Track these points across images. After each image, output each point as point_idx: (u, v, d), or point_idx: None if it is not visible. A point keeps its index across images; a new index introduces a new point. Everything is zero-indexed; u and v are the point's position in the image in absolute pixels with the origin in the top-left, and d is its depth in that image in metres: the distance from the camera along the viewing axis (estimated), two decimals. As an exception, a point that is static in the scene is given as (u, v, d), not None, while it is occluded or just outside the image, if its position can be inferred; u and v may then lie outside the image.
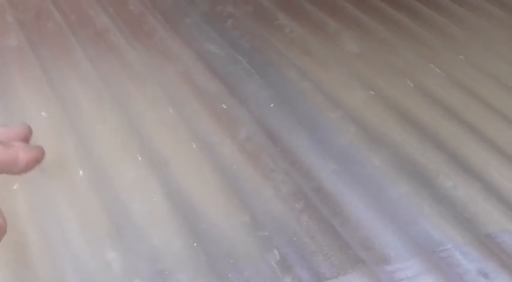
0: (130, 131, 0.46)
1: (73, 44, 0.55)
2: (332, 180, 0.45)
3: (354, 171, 0.46)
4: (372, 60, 0.59)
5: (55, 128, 0.45)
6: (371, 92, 0.54)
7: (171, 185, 0.41)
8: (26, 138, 0.34)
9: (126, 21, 0.61)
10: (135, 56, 0.55)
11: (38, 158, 0.32)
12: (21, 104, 0.48)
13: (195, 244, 0.37)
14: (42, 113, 0.46)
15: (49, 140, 0.44)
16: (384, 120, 0.51)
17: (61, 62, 0.53)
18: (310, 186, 0.44)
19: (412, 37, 0.64)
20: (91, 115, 0.47)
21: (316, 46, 0.60)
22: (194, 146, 0.45)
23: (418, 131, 0.51)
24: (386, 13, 0.69)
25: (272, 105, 0.51)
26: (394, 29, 0.66)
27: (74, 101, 0.48)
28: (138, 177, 0.42)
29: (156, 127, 0.47)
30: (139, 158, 0.43)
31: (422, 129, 0.51)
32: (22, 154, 0.31)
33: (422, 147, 0.49)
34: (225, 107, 0.49)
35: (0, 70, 0.51)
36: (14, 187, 0.39)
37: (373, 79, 0.56)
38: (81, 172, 0.41)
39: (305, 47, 0.60)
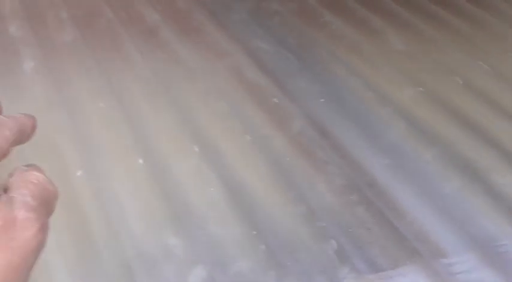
0: (185, 123, 0.47)
1: (125, 40, 0.57)
2: (385, 174, 0.45)
3: (407, 166, 0.46)
4: (419, 58, 0.59)
5: (113, 118, 0.46)
6: (420, 88, 0.54)
7: (227, 176, 0.42)
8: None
9: (175, 17, 0.62)
10: (186, 51, 0.56)
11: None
12: (78, 96, 0.49)
13: (254, 232, 0.38)
14: (100, 104, 0.47)
15: (108, 129, 0.45)
16: (434, 116, 0.51)
17: (115, 57, 0.55)
18: (363, 180, 0.44)
19: (458, 35, 0.65)
20: (146, 108, 0.48)
21: (362, 43, 0.61)
22: (248, 138, 0.46)
23: (468, 127, 0.51)
24: (431, 10, 0.69)
25: (322, 100, 0.51)
26: (440, 27, 0.66)
27: (129, 94, 0.49)
28: (196, 168, 0.42)
29: (210, 120, 0.48)
30: (196, 149, 0.44)
31: (473, 125, 0.51)
32: (27, 121, 0.35)
33: (473, 144, 0.49)
34: (276, 101, 0.50)
35: (57, 64, 0.52)
36: (78, 174, 0.40)
37: (421, 76, 0.56)
38: (140, 160, 0.42)
39: (352, 44, 0.60)
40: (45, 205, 0.29)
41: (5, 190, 0.29)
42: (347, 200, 0.42)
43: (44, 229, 0.27)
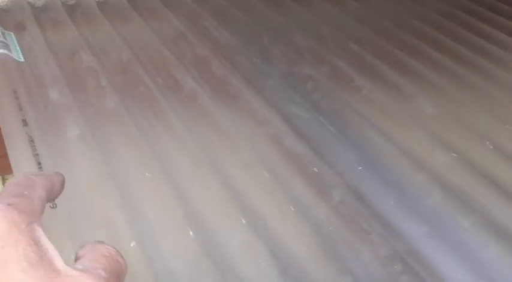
0: (231, 193, 0.48)
1: (165, 107, 0.58)
2: (425, 243, 0.47)
3: (445, 234, 0.48)
4: (449, 122, 0.61)
5: (160, 189, 0.48)
6: (453, 154, 0.56)
7: (275, 249, 0.43)
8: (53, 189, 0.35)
9: (211, 84, 0.64)
10: (225, 119, 0.58)
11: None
12: (124, 166, 0.50)
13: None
14: (147, 174, 0.49)
15: (156, 200, 0.47)
16: (468, 182, 0.53)
17: (156, 124, 0.56)
18: (405, 249, 0.46)
19: (487, 98, 0.66)
20: (191, 178, 0.50)
21: (394, 107, 0.62)
22: (292, 209, 0.47)
23: (503, 194, 0.52)
24: (458, 74, 0.71)
25: (361, 168, 0.53)
26: (468, 90, 0.68)
27: (173, 164, 0.51)
28: (244, 241, 0.44)
29: (254, 190, 0.49)
30: (244, 221, 0.45)
31: (507, 192, 0.52)
32: (56, 178, 0.35)
33: (509, 210, 0.50)
34: (316, 170, 0.52)
35: (100, 132, 0.54)
36: (131, 245, 0.42)
37: (453, 141, 0.58)
38: (191, 233, 0.43)
39: (383, 109, 0.62)
40: (116, 278, 0.30)
41: (75, 259, 0.30)
42: (391, 270, 0.43)
43: None
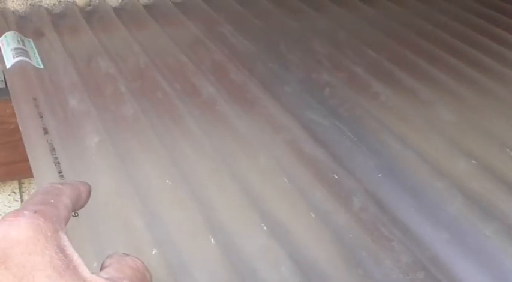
0: (250, 200, 0.48)
1: (183, 113, 0.59)
2: (446, 250, 0.46)
3: (466, 241, 0.47)
4: (468, 129, 0.61)
5: (180, 196, 0.48)
6: (473, 161, 0.55)
7: (296, 254, 0.43)
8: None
9: (229, 89, 0.64)
10: (243, 124, 0.58)
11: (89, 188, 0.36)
12: (144, 172, 0.51)
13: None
14: (167, 181, 0.49)
15: (177, 207, 0.47)
16: (489, 189, 0.52)
17: (174, 130, 0.56)
18: (426, 256, 0.45)
19: (505, 104, 0.66)
20: (210, 184, 0.50)
21: (412, 114, 0.62)
22: (313, 215, 0.47)
23: (523, 200, 0.52)
24: (476, 80, 0.71)
25: (380, 175, 0.53)
26: (486, 97, 0.67)
27: (193, 170, 0.51)
28: (265, 246, 0.44)
29: (274, 196, 0.49)
30: (264, 228, 0.45)
31: (528, 198, 0.52)
32: (82, 187, 0.35)
33: (530, 218, 0.50)
34: (336, 176, 0.52)
35: (120, 139, 0.54)
36: (153, 252, 0.42)
37: (473, 148, 0.58)
38: (212, 240, 0.43)
39: (402, 115, 0.62)
40: None
41: (101, 269, 0.30)
42: (414, 278, 0.43)
43: None
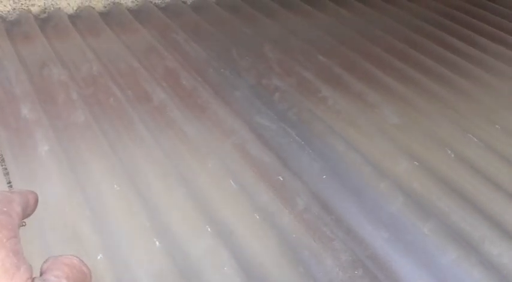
0: (197, 203, 0.49)
1: (134, 119, 0.59)
2: (386, 248, 0.48)
3: (405, 239, 0.49)
4: (412, 131, 0.63)
5: (128, 201, 0.49)
6: (415, 162, 0.57)
7: (239, 255, 0.45)
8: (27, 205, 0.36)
9: (180, 95, 0.65)
10: (192, 129, 0.59)
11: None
12: (94, 179, 0.51)
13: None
14: (115, 186, 0.50)
15: (124, 212, 0.48)
16: (429, 189, 0.55)
17: (125, 136, 0.57)
18: (366, 254, 0.47)
19: (449, 107, 0.68)
20: (159, 189, 0.51)
21: (359, 117, 0.64)
22: (257, 217, 0.49)
23: (461, 199, 0.54)
24: (422, 84, 0.73)
25: (324, 176, 0.54)
26: (431, 100, 0.69)
27: (142, 175, 0.52)
28: (209, 248, 0.45)
29: (220, 198, 0.50)
30: (209, 229, 0.46)
31: (466, 198, 0.54)
32: (29, 195, 0.36)
33: (467, 215, 0.52)
34: (281, 179, 0.53)
35: (71, 146, 0.55)
36: (98, 257, 0.43)
37: (416, 150, 0.60)
38: (157, 243, 0.44)
39: (349, 119, 0.64)
40: None
41: (40, 274, 0.31)
42: (352, 275, 0.45)
43: None
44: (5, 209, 0.32)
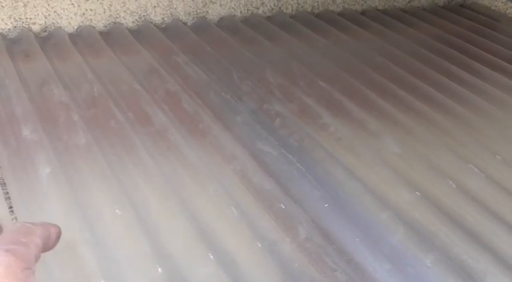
0: (199, 229, 0.49)
1: (135, 143, 0.59)
2: (388, 280, 0.48)
3: (407, 271, 0.49)
4: (413, 160, 0.63)
5: (129, 226, 0.48)
6: (417, 192, 0.57)
7: (242, 284, 0.44)
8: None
9: (182, 119, 0.65)
10: (193, 154, 0.58)
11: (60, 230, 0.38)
12: (95, 203, 0.51)
13: None
14: (117, 211, 0.49)
15: (126, 237, 0.47)
16: (430, 220, 0.54)
17: (126, 160, 0.57)
18: (369, 286, 0.47)
19: (450, 137, 0.68)
20: (160, 214, 0.50)
21: (360, 145, 0.64)
22: (259, 245, 0.48)
23: (463, 231, 0.54)
24: (423, 112, 0.73)
25: (326, 205, 0.54)
26: (431, 129, 0.70)
27: (143, 199, 0.52)
28: (211, 275, 0.45)
29: (222, 225, 0.50)
30: (211, 257, 0.46)
31: (467, 229, 0.54)
32: (52, 229, 0.37)
33: (468, 248, 0.52)
34: (283, 207, 0.53)
35: (72, 169, 0.54)
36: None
37: (417, 179, 0.60)
38: (160, 270, 0.44)
39: (350, 147, 0.64)
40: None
41: None
42: (355, 307, 0.45)
43: None
44: (24, 239, 0.33)
